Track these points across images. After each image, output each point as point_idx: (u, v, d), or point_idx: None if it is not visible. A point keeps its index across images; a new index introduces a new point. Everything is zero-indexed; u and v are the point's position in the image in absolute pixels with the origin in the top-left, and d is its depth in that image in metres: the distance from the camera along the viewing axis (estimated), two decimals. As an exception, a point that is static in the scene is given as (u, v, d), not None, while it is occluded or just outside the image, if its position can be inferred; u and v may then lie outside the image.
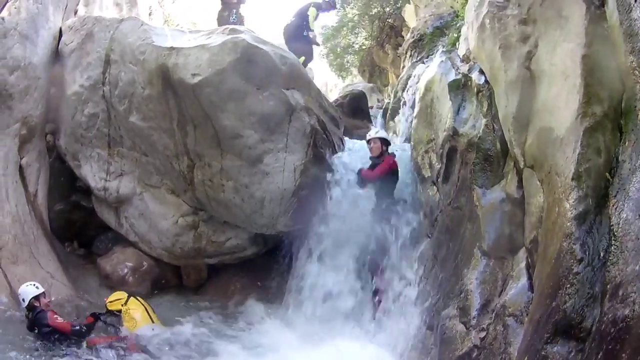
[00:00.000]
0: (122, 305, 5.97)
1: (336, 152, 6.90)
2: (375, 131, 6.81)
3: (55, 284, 7.16)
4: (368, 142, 6.58)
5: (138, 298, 6.21)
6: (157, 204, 7.22)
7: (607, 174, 3.41)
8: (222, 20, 10.62)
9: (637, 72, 3.27)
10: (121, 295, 6.18)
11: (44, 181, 7.81)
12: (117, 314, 5.98)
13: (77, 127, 7.49)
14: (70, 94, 7.53)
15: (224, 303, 7.03)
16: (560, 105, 4.03)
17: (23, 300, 5.75)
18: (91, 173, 7.48)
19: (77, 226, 7.85)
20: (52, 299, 6.51)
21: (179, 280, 7.59)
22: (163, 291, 7.31)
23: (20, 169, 7.37)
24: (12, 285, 6.50)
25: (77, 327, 5.74)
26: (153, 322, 6.02)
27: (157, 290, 7.27)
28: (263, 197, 6.55)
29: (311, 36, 10.08)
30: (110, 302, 6.08)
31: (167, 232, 7.17)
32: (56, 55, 7.88)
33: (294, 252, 6.99)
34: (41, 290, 5.87)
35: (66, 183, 7.83)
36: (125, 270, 7.21)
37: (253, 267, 7.46)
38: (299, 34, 9.87)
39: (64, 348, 5.55)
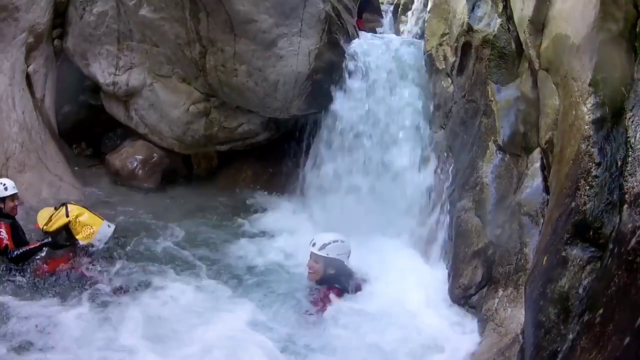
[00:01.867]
0: (66, 217, 4.94)
1: (351, 39, 6.87)
2: (315, 244, 4.54)
3: (63, 186, 7.12)
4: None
5: (71, 202, 5.31)
6: (168, 93, 7.16)
7: (622, 88, 3.34)
8: None
9: None
10: (49, 210, 5.18)
11: (52, 85, 7.75)
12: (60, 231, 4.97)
13: (85, 26, 7.41)
14: (79, -5, 7.45)
15: (233, 191, 7.00)
16: (577, 16, 3.95)
17: None
18: (100, 70, 7.42)
19: (85, 126, 7.79)
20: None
21: (189, 170, 7.55)
22: (174, 182, 7.24)
23: (27, 76, 7.30)
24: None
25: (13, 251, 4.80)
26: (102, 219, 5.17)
27: (168, 182, 7.21)
28: (277, 80, 6.52)
29: None
30: (48, 222, 4.99)
31: (177, 121, 7.13)
32: (64, -38, 7.84)
33: (306, 138, 6.96)
34: (11, 191, 5.12)
35: (74, 84, 7.75)
36: (135, 164, 7.16)
37: (264, 154, 7.45)
38: None
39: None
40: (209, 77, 6.79)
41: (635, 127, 3.08)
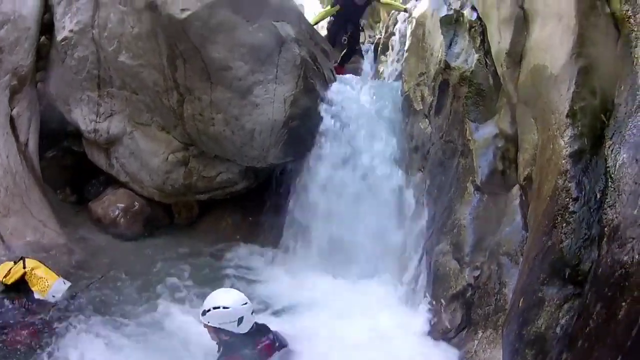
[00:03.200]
0: (23, 269, 4.83)
1: (327, 84, 6.79)
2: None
3: (47, 232, 7.07)
4: None
5: (29, 257, 5.17)
6: (148, 141, 7.13)
7: (602, 115, 3.32)
8: None
9: (632, 21, 3.23)
10: (9, 264, 4.99)
11: (35, 129, 7.72)
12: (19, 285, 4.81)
13: (67, 71, 7.41)
14: (60, 39, 7.43)
15: (214, 241, 6.97)
16: (554, 44, 3.93)
17: None
18: (81, 116, 7.40)
19: (69, 172, 7.78)
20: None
21: (170, 219, 7.52)
22: (155, 231, 7.23)
23: (11, 120, 7.29)
24: (4, 239, 6.34)
25: None
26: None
27: (149, 231, 7.19)
28: (253, 128, 6.47)
29: None
30: (6, 275, 4.84)
31: (157, 170, 7.09)
32: (46, 4, 7.83)
33: (285, 186, 6.91)
34: None
35: (57, 129, 7.71)
36: (117, 212, 7.12)
37: (244, 202, 7.39)
38: None
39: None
40: (187, 125, 6.74)
41: (615, 156, 3.03)
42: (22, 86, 7.46)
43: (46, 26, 7.81)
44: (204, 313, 4.02)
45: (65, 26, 7.44)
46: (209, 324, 4.01)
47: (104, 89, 7.27)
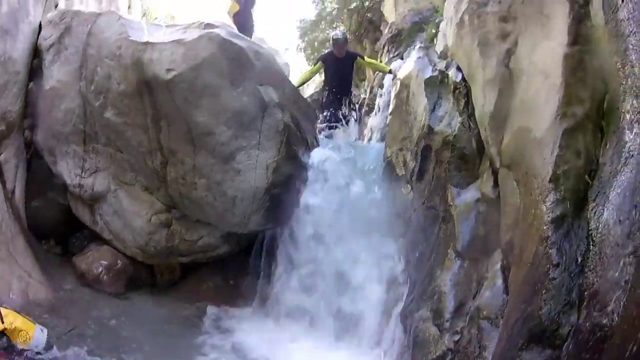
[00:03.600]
0: (2, 324, 4.85)
1: (310, 150, 6.76)
2: None
3: (32, 282, 7.05)
4: None
5: (4, 305, 5.20)
6: (131, 201, 7.11)
7: (586, 176, 3.35)
8: None
9: (621, 74, 3.21)
10: None
11: (22, 177, 7.72)
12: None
13: (53, 122, 7.39)
14: (48, 88, 7.43)
15: (195, 303, 6.95)
16: (540, 104, 3.95)
17: None
18: (67, 170, 7.37)
19: (54, 224, 7.72)
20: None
21: (152, 279, 7.49)
22: (137, 289, 7.22)
23: None
24: (-11, 285, 6.43)
25: None
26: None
27: (131, 289, 7.18)
28: (235, 195, 6.44)
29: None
30: None
31: (140, 230, 7.06)
32: (36, 49, 7.81)
33: (266, 252, 6.89)
34: None
35: (43, 180, 7.66)
36: (100, 269, 7.07)
37: (226, 266, 7.37)
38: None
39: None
40: (170, 188, 6.72)
41: (598, 218, 3.05)
42: (9, 132, 7.44)
43: (35, 72, 7.81)
44: None
45: (54, 75, 7.46)
46: None
47: (90, 144, 7.25)
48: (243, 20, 9.69)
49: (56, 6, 8.49)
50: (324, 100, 9.28)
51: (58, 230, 7.78)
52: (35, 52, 7.80)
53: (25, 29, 7.62)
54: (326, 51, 9.44)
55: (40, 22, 7.83)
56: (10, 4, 7.27)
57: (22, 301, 6.57)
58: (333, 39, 8.83)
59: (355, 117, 8.80)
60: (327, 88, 9.10)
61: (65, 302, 6.90)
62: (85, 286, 7.20)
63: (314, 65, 9.05)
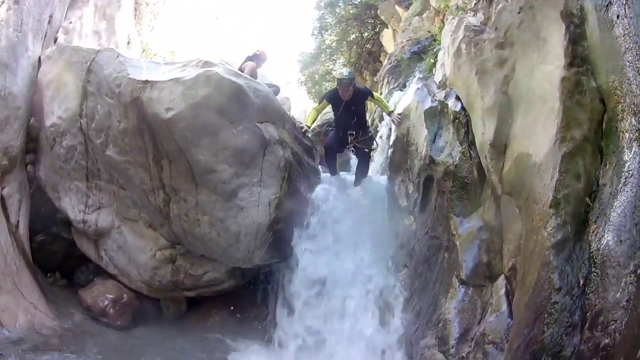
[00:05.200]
0: None
1: (313, 185, 6.86)
2: None
3: (38, 315, 7.16)
4: None
5: None
6: (135, 237, 7.21)
7: (587, 198, 3.38)
8: None
9: (618, 92, 3.25)
10: None
11: (25, 212, 7.80)
12: None
13: (56, 159, 7.49)
14: (49, 125, 7.52)
15: (202, 337, 7.03)
16: (538, 130, 4.00)
17: None
18: (70, 205, 7.47)
19: (59, 257, 7.83)
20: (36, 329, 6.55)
21: (158, 312, 7.60)
22: (143, 323, 7.33)
23: (2, 200, 7.33)
24: (-1, 318, 6.48)
25: None
26: None
27: (138, 322, 7.29)
28: (238, 231, 6.56)
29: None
30: None
31: (145, 266, 7.17)
32: (35, 84, 7.86)
33: (272, 286, 7.00)
34: None
35: (47, 214, 7.76)
36: (106, 302, 7.20)
37: (232, 299, 7.47)
38: None
39: None
40: (174, 225, 6.83)
41: (600, 239, 3.11)
42: (12, 167, 7.53)
43: (35, 107, 7.88)
44: None
45: (54, 111, 7.54)
46: None
47: (92, 180, 7.36)
48: None
49: (55, 40, 8.54)
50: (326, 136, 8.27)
51: (63, 263, 7.89)
52: (35, 88, 7.89)
53: (25, 64, 7.68)
54: (328, 85, 8.13)
55: (40, 58, 7.89)
56: (9, 38, 7.30)
57: (28, 333, 6.67)
58: (337, 79, 7.30)
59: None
60: (334, 127, 7.86)
61: (72, 333, 7.03)
62: (91, 319, 7.31)
63: (318, 103, 7.94)
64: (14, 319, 6.79)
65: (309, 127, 7.48)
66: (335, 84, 7.35)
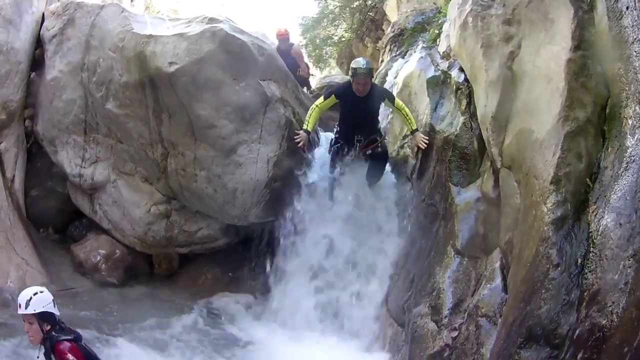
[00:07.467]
0: None
1: (312, 146, 6.79)
2: (20, 305, 3.88)
3: (29, 271, 7.14)
4: None
5: None
6: (131, 191, 7.18)
7: (587, 179, 3.38)
8: None
9: (624, 80, 3.26)
10: None
11: (22, 167, 7.79)
12: None
13: (54, 112, 7.45)
14: (50, 79, 7.49)
15: (193, 294, 7.00)
16: (542, 107, 3.99)
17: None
18: (67, 159, 7.43)
19: (53, 212, 7.81)
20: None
21: (150, 269, 7.58)
22: (135, 279, 7.29)
23: None
24: (-11, 273, 6.42)
25: None
26: None
27: (129, 279, 7.24)
28: (235, 187, 6.52)
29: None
30: None
31: (139, 220, 7.13)
32: (38, 40, 7.86)
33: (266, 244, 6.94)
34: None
35: (43, 169, 7.76)
36: (98, 258, 7.18)
37: (225, 257, 7.43)
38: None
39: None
40: (170, 180, 6.79)
41: (599, 221, 3.10)
42: (10, 121, 7.50)
43: (37, 62, 7.86)
44: (27, 304, 3.88)
45: (56, 65, 7.51)
46: (35, 312, 3.88)
47: (90, 134, 7.32)
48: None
49: (59, -2, 8.52)
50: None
51: (57, 218, 7.86)
52: (38, 43, 7.87)
53: (29, 19, 7.69)
54: (336, 76, 7.03)
55: (44, 13, 7.89)
56: (15, -6, 7.32)
57: (19, 289, 6.59)
58: (352, 69, 6.08)
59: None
60: (338, 128, 6.45)
61: (63, 291, 6.96)
62: (83, 275, 7.28)
63: (324, 99, 6.28)
64: (6, 275, 6.79)
65: (309, 133, 6.23)
66: (350, 75, 6.20)
